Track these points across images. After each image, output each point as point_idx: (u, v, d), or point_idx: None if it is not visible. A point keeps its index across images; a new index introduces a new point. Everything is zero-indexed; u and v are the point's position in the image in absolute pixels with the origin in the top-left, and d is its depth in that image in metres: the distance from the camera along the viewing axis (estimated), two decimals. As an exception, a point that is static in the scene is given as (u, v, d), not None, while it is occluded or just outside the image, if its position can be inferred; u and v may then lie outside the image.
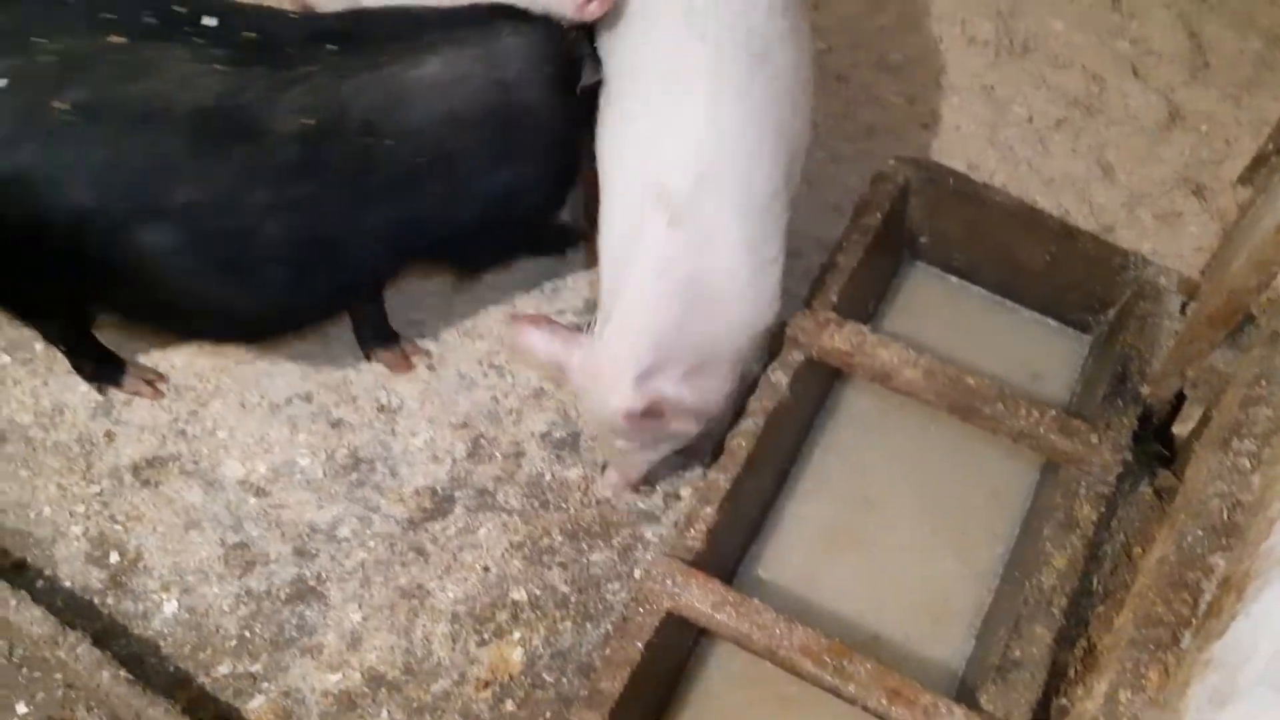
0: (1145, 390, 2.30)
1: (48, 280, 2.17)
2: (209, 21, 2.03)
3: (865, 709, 1.95)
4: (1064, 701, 2.02)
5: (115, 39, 1.94)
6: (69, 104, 1.92)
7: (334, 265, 2.26)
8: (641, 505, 2.54)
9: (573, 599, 2.39)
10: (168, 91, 1.96)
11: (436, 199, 2.26)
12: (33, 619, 2.12)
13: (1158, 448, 2.36)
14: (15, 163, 1.94)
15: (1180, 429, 2.36)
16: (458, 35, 2.20)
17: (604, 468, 2.52)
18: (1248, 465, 1.85)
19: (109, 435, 2.51)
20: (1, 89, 1.90)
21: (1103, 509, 2.16)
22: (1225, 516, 1.82)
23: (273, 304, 2.32)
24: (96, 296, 2.32)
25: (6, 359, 2.59)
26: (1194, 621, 1.72)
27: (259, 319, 2.39)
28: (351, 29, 2.17)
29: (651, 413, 2.12)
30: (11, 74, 1.91)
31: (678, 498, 2.56)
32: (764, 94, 2.14)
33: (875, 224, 2.53)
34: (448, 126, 2.20)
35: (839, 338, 2.32)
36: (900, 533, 2.38)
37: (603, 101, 2.28)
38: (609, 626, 2.35)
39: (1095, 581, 2.15)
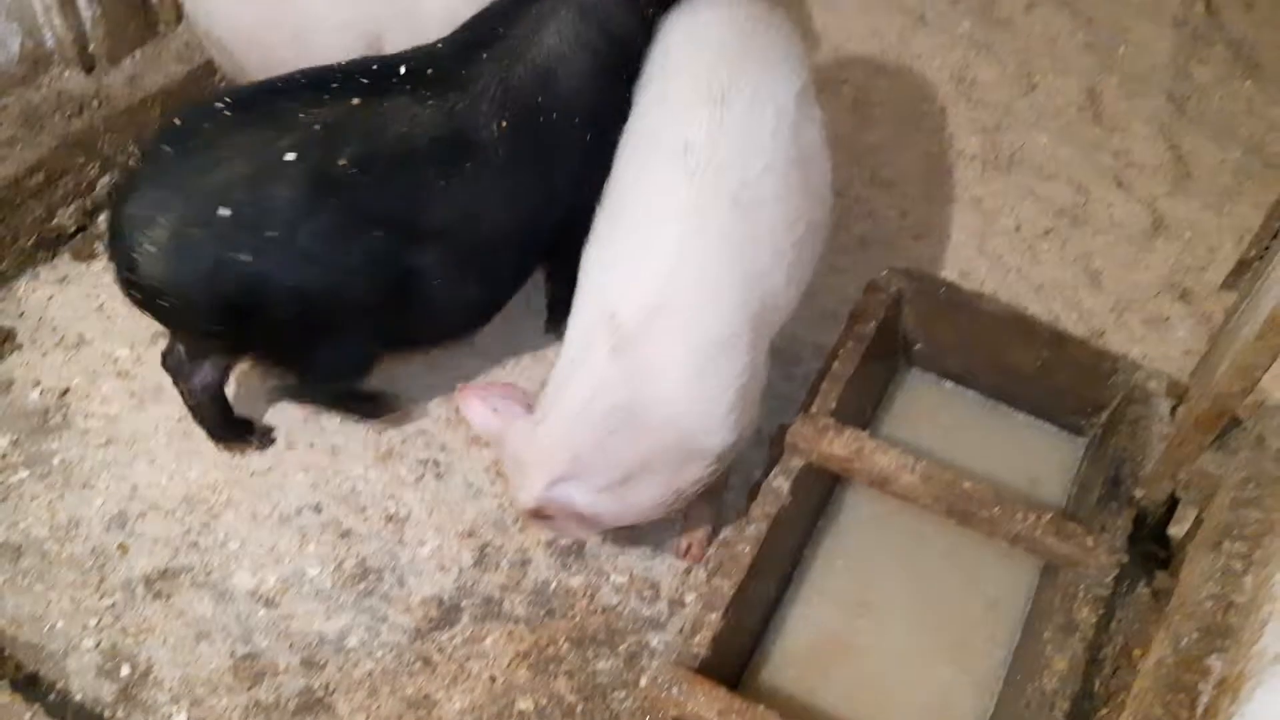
0: (1138, 493, 2.35)
1: (367, 332, 2.46)
2: (401, 70, 2.36)
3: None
4: (1068, 806, 2.03)
5: (354, 101, 2.26)
6: (347, 160, 2.22)
7: (540, 238, 2.57)
8: (646, 613, 2.56)
9: (579, 708, 2.41)
10: (410, 133, 2.29)
11: (593, 153, 2.46)
12: (45, 733, 2.14)
13: (1154, 549, 2.39)
14: (323, 224, 2.22)
15: (1176, 530, 2.40)
16: (544, 5, 2.46)
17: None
18: (1239, 567, 1.90)
19: (122, 548, 2.55)
20: (292, 160, 2.18)
21: (1101, 611, 2.19)
22: (1219, 618, 1.85)
23: (503, 292, 2.63)
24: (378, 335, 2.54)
25: (25, 473, 2.64)
26: (1193, 723, 1.74)
27: (488, 310, 2.64)
28: (478, 34, 2.45)
29: (541, 515, 2.21)
30: (296, 147, 2.19)
31: (682, 604, 2.59)
32: (741, 243, 2.20)
33: (870, 332, 2.60)
34: (581, 80, 2.47)
35: (838, 444, 2.38)
36: (901, 638, 2.40)
37: (597, 212, 2.37)
38: (615, 738, 2.36)
39: (1096, 684, 2.16)
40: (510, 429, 2.24)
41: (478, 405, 2.28)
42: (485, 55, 2.40)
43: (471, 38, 2.45)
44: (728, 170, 2.21)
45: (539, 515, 2.24)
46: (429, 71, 2.37)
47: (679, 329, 2.14)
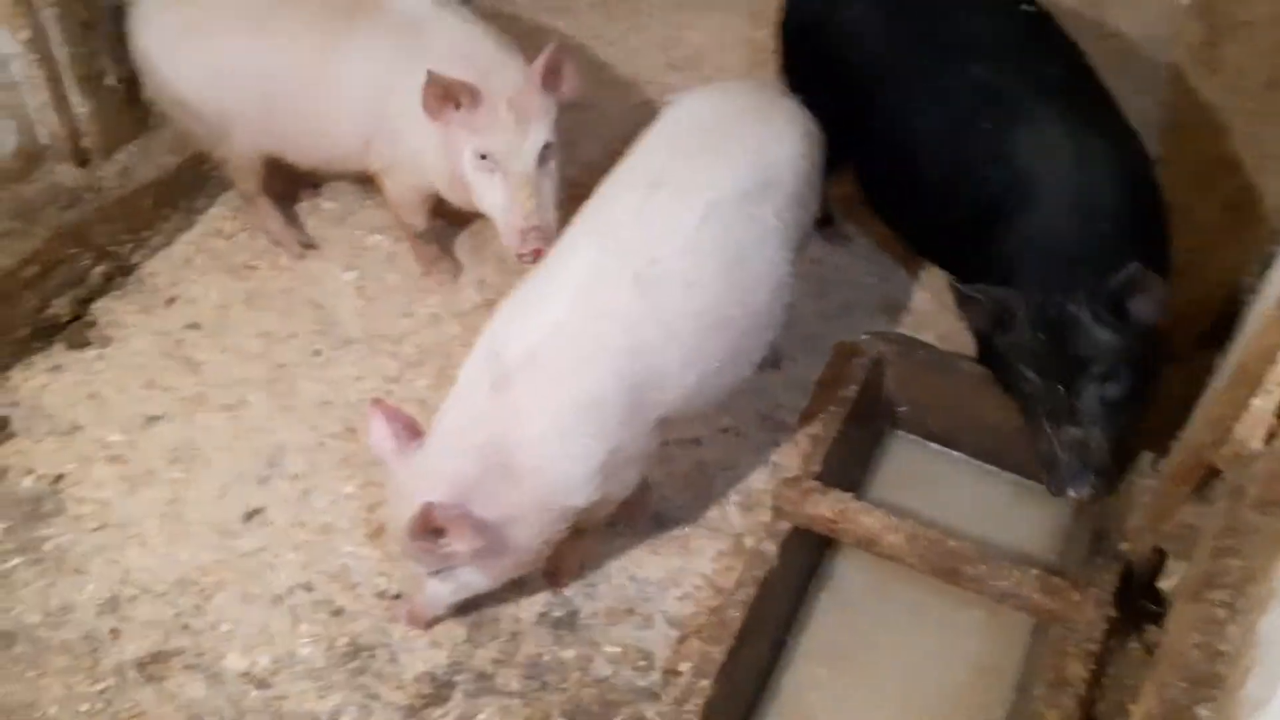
0: (1124, 546, 2.36)
1: None
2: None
3: None
4: None
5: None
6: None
7: None
8: (641, 683, 2.55)
9: (575, 781, 2.39)
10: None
11: None
12: (34, 822, 2.12)
13: (1145, 604, 2.40)
14: None
15: (1166, 584, 2.41)
16: None
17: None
18: (1223, 615, 1.90)
19: (114, 632, 2.55)
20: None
21: (1092, 666, 2.19)
22: (1206, 667, 1.85)
23: None
24: None
25: (18, 560, 2.65)
26: (1184, 775, 1.74)
27: None
28: None
29: (428, 528, 2.21)
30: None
31: (677, 674, 2.57)
32: (631, 317, 2.26)
33: (852, 395, 2.64)
34: None
35: (823, 505, 2.40)
36: (896, 701, 2.40)
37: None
38: (611, 808, 2.34)
39: (1091, 740, 2.16)
40: (401, 455, 2.29)
41: (381, 425, 2.33)
42: None
43: None
44: (638, 247, 2.30)
45: (419, 533, 2.22)
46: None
47: (549, 381, 2.22)
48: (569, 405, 2.23)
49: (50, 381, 3.02)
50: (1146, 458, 2.52)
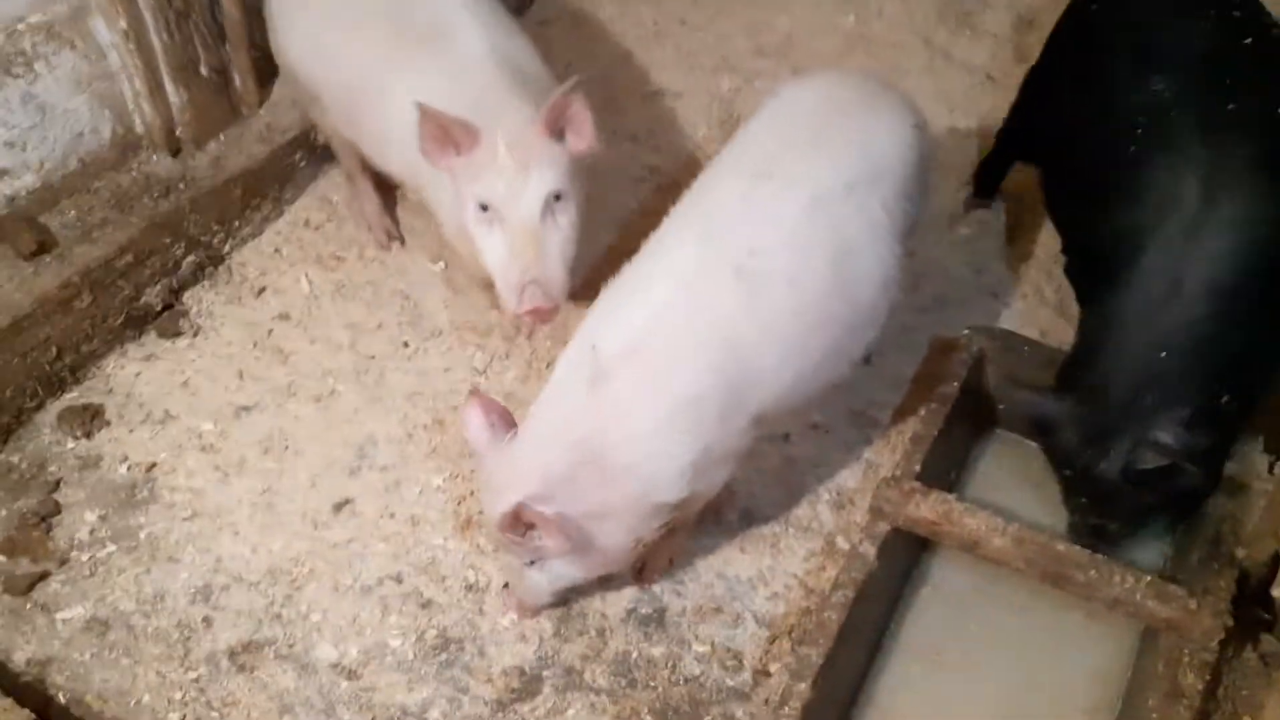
0: (1240, 552, 2.27)
1: None
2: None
3: None
4: None
5: None
6: None
7: None
8: (730, 683, 2.51)
9: (665, 781, 2.35)
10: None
11: None
12: (132, 809, 2.14)
13: (1258, 611, 2.30)
14: None
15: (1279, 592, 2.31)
16: None
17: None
18: (1357, 626, 1.81)
19: (207, 620, 2.57)
20: None
21: (1208, 677, 2.11)
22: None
23: None
24: None
25: (112, 547, 2.68)
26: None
27: None
28: None
29: (518, 525, 2.18)
30: None
31: (767, 674, 2.53)
32: (731, 311, 2.20)
33: (953, 392, 2.56)
34: None
35: (925, 507, 2.33)
36: (998, 708, 2.33)
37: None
38: (704, 810, 2.30)
39: (1209, 754, 2.08)
40: (494, 446, 2.27)
41: (478, 415, 2.29)
42: None
43: None
44: (739, 239, 2.24)
45: (510, 529, 2.20)
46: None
47: (649, 376, 2.17)
48: (667, 402, 2.18)
49: (143, 370, 3.05)
50: (1264, 460, 2.42)
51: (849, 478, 2.87)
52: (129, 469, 2.83)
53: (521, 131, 2.47)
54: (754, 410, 2.30)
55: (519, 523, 2.17)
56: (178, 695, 2.45)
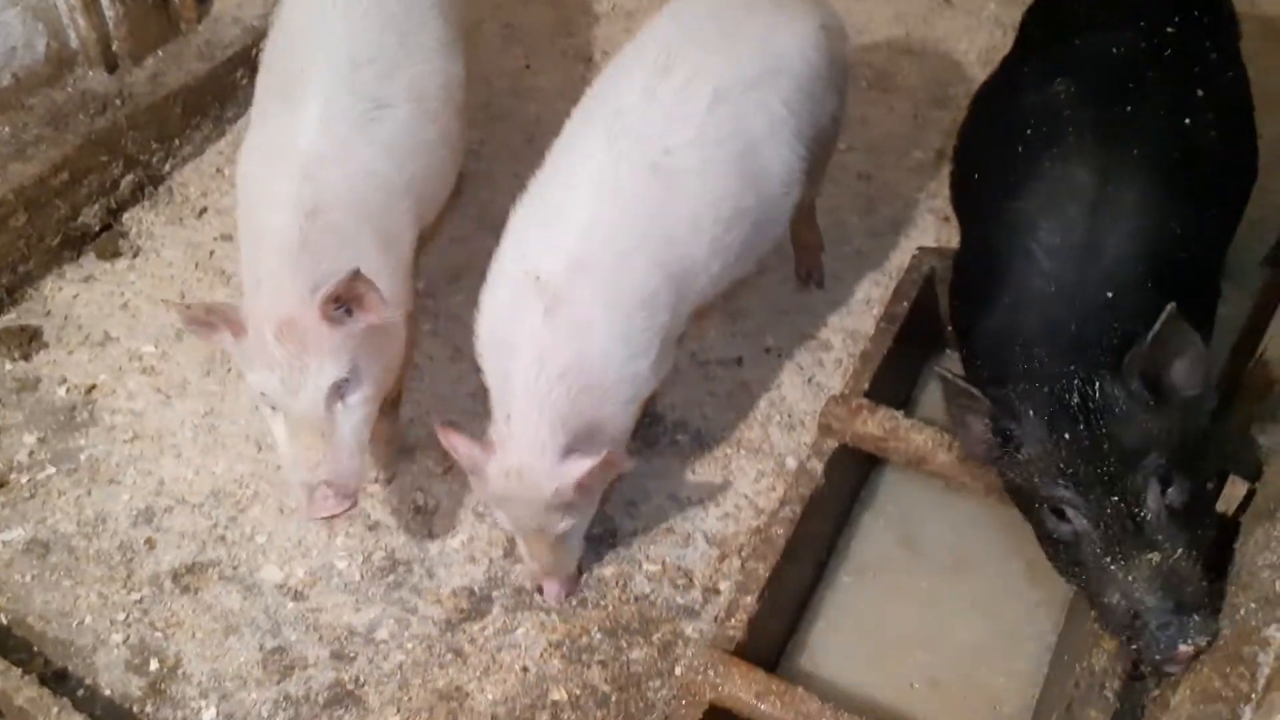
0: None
1: None
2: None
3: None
4: (1122, 788, 1.96)
5: None
6: None
7: None
8: (680, 601, 2.51)
9: (613, 698, 2.35)
10: None
11: None
12: (74, 726, 2.11)
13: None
14: None
15: (1223, 508, 2.33)
16: None
17: (538, 588, 2.46)
18: (1295, 535, 1.83)
19: (150, 542, 2.53)
20: None
21: (1150, 588, 2.12)
22: (1277, 588, 1.78)
23: None
24: None
25: (52, 470, 2.63)
26: (1254, 696, 1.68)
27: None
28: None
29: (584, 484, 2.17)
30: None
31: (716, 592, 2.53)
32: (657, 207, 2.22)
33: (902, 312, 2.55)
34: None
35: (872, 423, 2.33)
36: (942, 622, 2.34)
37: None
38: (651, 725, 2.31)
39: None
40: (487, 454, 2.18)
41: (458, 436, 2.21)
42: None
43: None
44: (650, 137, 2.23)
45: (582, 492, 2.18)
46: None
47: (600, 289, 2.15)
48: (625, 308, 2.18)
49: (81, 292, 2.98)
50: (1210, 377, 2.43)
51: (800, 400, 2.86)
52: (68, 391, 2.78)
53: (294, 318, 2.07)
54: (693, 299, 2.35)
55: (587, 481, 2.16)
56: (121, 616, 2.43)
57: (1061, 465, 1.84)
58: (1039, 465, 1.86)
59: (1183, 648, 1.77)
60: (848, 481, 2.48)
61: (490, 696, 2.34)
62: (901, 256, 3.03)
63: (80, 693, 2.31)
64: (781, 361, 2.93)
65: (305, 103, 2.25)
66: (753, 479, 2.71)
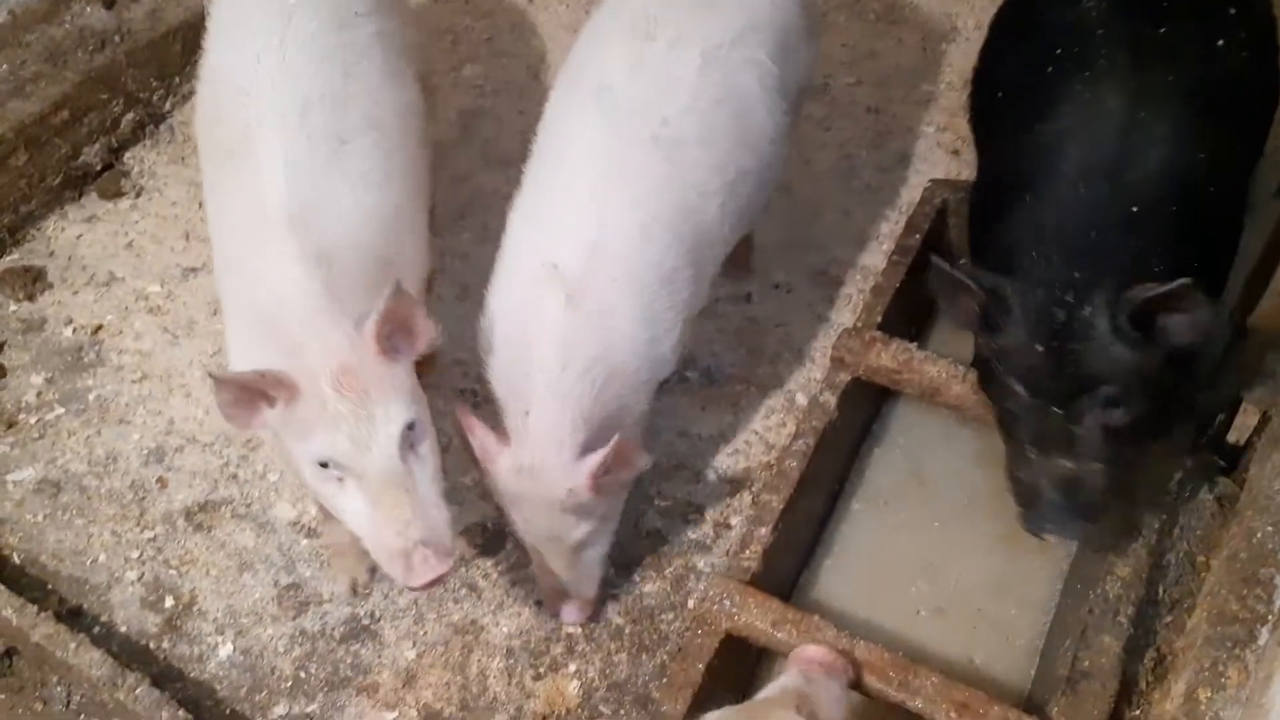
0: (1200, 398, 2.28)
1: None
2: None
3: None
4: (1136, 713, 1.98)
5: None
6: None
7: None
8: (692, 536, 2.52)
9: (627, 630, 2.37)
10: None
11: None
12: (92, 661, 2.12)
13: (1214, 458, 2.33)
14: None
15: (1235, 438, 2.33)
16: None
17: (557, 613, 2.33)
18: (1312, 459, 1.83)
19: (161, 481, 2.53)
20: None
21: (1164, 516, 2.13)
22: (1294, 511, 1.79)
23: None
24: None
25: (61, 410, 2.62)
26: (1270, 617, 1.69)
27: None
28: None
29: (605, 477, 2.06)
30: None
31: (728, 527, 2.54)
32: (664, 181, 2.14)
33: (914, 244, 2.53)
34: None
35: (885, 355, 2.32)
36: (955, 553, 2.35)
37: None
38: (665, 657, 2.32)
39: (1160, 590, 2.11)
40: (501, 449, 2.08)
41: (476, 422, 2.11)
42: None
43: None
44: (646, 108, 2.15)
45: (596, 489, 2.06)
46: None
47: (621, 273, 2.07)
48: (648, 288, 2.10)
49: (85, 232, 2.95)
50: (1224, 308, 2.42)
51: (810, 336, 2.85)
52: (74, 332, 2.76)
53: (349, 364, 1.90)
54: (709, 269, 2.27)
55: (603, 476, 2.05)
56: (134, 554, 2.43)
57: (1026, 368, 1.92)
58: (1008, 357, 1.95)
59: (1049, 536, 2.02)
60: (860, 415, 2.48)
61: (505, 630, 2.36)
62: (911, 190, 3.01)
63: (96, 630, 2.32)
64: (791, 297, 2.92)
65: (263, 157, 2.05)
66: (763, 415, 2.71)
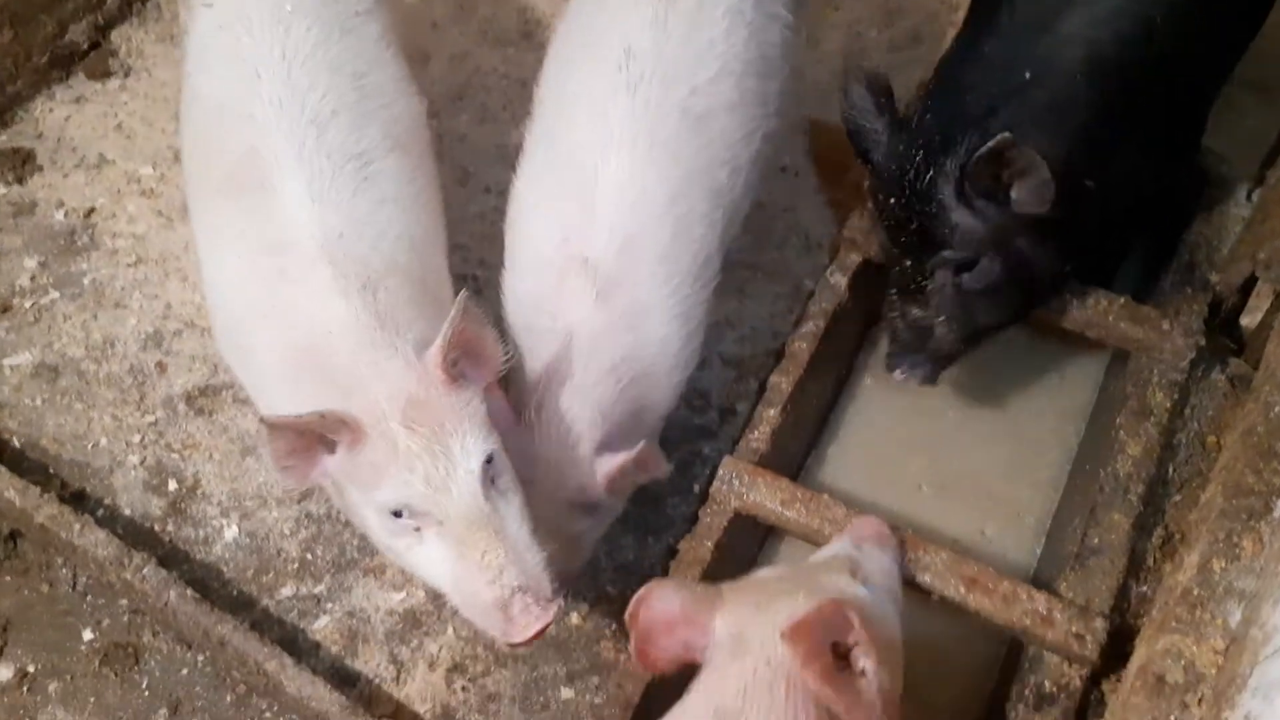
0: (1214, 277, 2.25)
1: None
2: None
3: (942, 599, 1.91)
4: (1144, 589, 1.98)
5: None
6: None
7: None
8: (697, 421, 2.50)
9: (633, 514, 2.36)
10: None
11: None
12: (97, 541, 2.12)
13: (1225, 340, 2.30)
14: None
15: (1248, 321, 2.30)
16: None
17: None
18: (1330, 334, 1.80)
19: (160, 366, 2.50)
20: None
21: (1176, 396, 2.11)
22: (1311, 384, 1.77)
23: None
24: None
25: (56, 294, 2.58)
26: (1286, 490, 1.68)
27: None
28: None
29: (620, 480, 1.97)
30: None
31: (733, 413, 2.52)
32: (696, 158, 2.00)
33: (928, 124, 2.46)
34: None
35: (898, 234, 2.27)
36: (964, 434, 2.34)
37: (526, 141, 2.12)
38: (671, 540, 2.31)
39: (1170, 470, 2.10)
40: (516, 425, 1.94)
41: (497, 401, 1.95)
42: None
43: None
44: (673, 77, 1.98)
45: (616, 488, 1.98)
46: None
47: (657, 262, 1.95)
48: (684, 279, 1.98)
49: (73, 113, 2.87)
50: (1243, 186, 2.38)
51: (817, 222, 2.80)
52: (66, 215, 2.70)
53: (416, 396, 1.73)
54: (733, 234, 2.17)
55: (620, 479, 1.95)
56: (136, 439, 2.41)
57: (884, 214, 2.01)
58: (874, 197, 2.04)
59: (897, 375, 2.10)
60: (871, 297, 2.44)
61: (511, 512, 2.34)
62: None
63: (100, 513, 2.30)
64: (800, 182, 2.86)
65: (280, 185, 1.87)
66: (769, 301, 2.67)
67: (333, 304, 1.79)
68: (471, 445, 1.72)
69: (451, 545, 1.71)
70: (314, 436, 1.70)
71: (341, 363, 1.76)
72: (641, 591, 1.57)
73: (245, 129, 1.92)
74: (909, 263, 1.99)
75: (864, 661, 1.43)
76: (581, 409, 1.94)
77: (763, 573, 1.69)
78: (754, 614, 1.50)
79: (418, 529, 1.74)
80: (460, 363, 1.77)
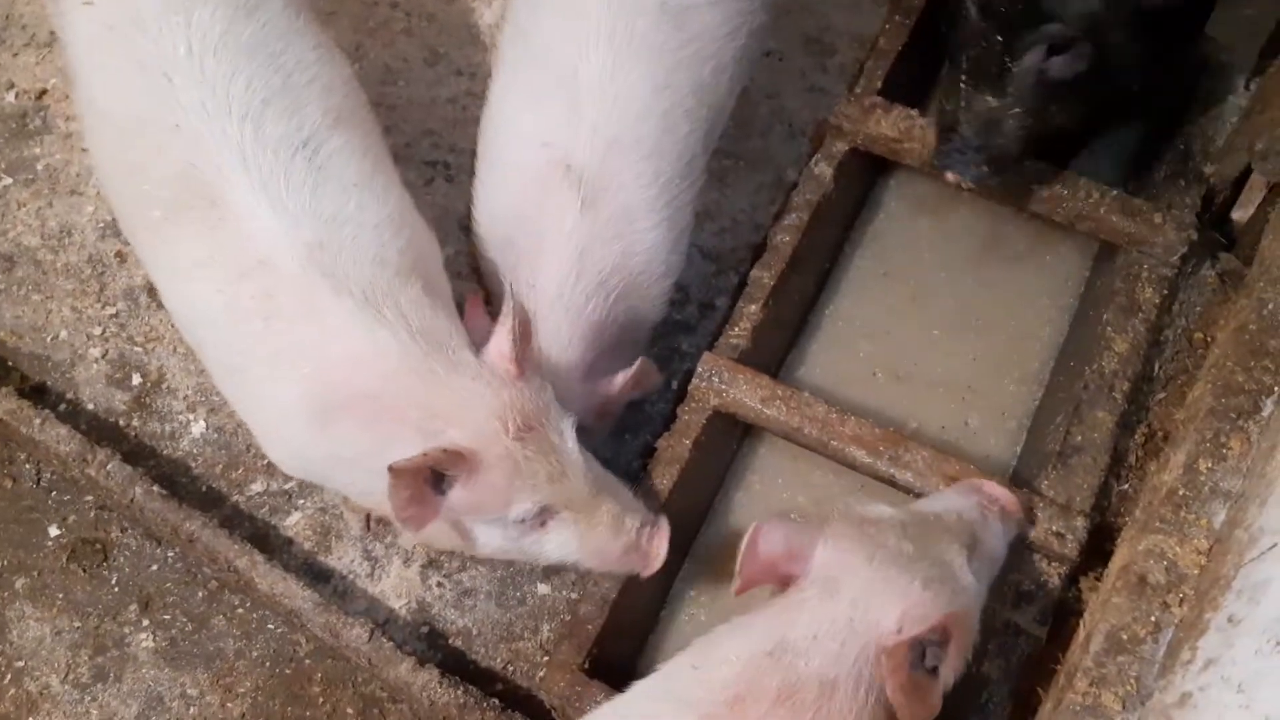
0: (1209, 169, 2.18)
1: None
2: None
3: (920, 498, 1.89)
4: (1125, 487, 1.97)
5: None
6: None
7: None
8: (676, 317, 2.44)
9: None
10: None
11: None
12: (59, 437, 2.07)
13: (1216, 235, 2.25)
14: None
15: (1240, 215, 2.25)
16: None
17: None
18: (1328, 225, 1.75)
19: (120, 256, 2.42)
20: None
21: (1165, 292, 2.07)
22: (1307, 277, 1.73)
23: None
24: None
25: (8, 180, 2.48)
26: (1276, 389, 1.65)
27: None
28: None
29: (609, 407, 1.96)
30: None
31: (712, 308, 2.46)
32: (678, 54, 1.91)
33: (918, 4, 2.36)
34: None
35: (886, 123, 2.19)
36: (947, 330, 2.29)
37: (500, 42, 2.02)
38: (648, 438, 2.28)
39: (1156, 366, 2.07)
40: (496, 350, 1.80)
41: (482, 316, 1.93)
42: None
43: None
44: None
45: (607, 407, 1.98)
46: None
47: (642, 164, 1.88)
48: (670, 183, 1.92)
49: (21, -11, 2.72)
50: (1240, 77, 2.30)
51: (801, 108, 2.71)
52: (17, 97, 2.59)
53: (514, 402, 1.69)
54: (719, 132, 2.10)
55: (619, 398, 1.94)
56: (97, 331, 2.34)
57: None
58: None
59: (949, 176, 1.97)
60: (856, 188, 2.36)
61: (485, 408, 2.30)
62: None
63: (62, 407, 2.25)
64: (782, 66, 2.76)
65: (227, 198, 1.69)
66: (751, 191, 2.59)
67: (352, 334, 1.67)
68: (564, 426, 1.74)
69: (580, 521, 1.75)
70: (425, 477, 1.63)
71: (401, 395, 1.67)
72: (749, 534, 1.56)
73: (173, 144, 1.72)
74: (999, 40, 1.86)
75: (944, 670, 1.44)
76: (573, 329, 1.90)
77: (880, 511, 1.62)
78: (859, 566, 1.49)
79: (543, 522, 1.76)
80: (522, 351, 1.74)
